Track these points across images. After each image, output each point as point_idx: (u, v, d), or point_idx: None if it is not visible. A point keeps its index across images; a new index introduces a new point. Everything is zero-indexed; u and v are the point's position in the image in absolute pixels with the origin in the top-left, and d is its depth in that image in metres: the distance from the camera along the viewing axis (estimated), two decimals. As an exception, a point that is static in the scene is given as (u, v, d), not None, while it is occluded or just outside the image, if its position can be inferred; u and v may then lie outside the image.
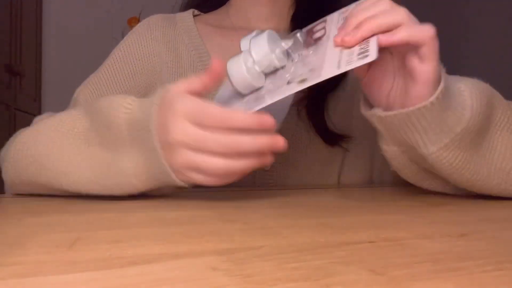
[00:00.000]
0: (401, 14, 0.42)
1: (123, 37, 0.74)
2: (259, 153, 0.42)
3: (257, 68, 0.48)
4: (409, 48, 0.43)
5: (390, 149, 0.49)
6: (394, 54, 0.46)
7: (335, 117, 0.67)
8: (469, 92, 0.45)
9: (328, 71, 0.43)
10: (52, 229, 0.34)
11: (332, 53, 0.45)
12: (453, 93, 0.44)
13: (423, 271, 0.23)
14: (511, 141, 0.48)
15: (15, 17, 2.06)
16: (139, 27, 0.74)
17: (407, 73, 0.44)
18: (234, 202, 0.50)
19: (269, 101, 0.44)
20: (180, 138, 0.41)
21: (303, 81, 0.44)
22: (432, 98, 0.42)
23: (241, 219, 0.39)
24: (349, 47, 0.43)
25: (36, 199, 0.53)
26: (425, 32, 0.41)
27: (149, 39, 0.72)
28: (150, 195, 0.53)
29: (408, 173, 0.52)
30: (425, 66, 0.42)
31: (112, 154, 0.47)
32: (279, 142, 0.41)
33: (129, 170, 0.46)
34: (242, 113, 0.41)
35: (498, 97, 0.49)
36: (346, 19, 0.46)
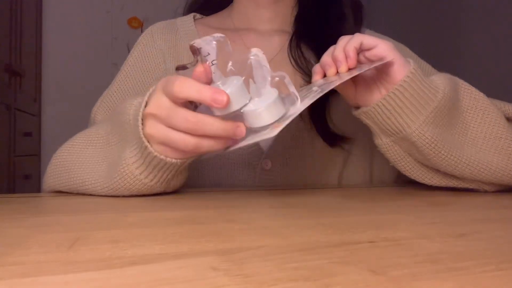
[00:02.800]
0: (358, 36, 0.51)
1: (128, 48, 0.75)
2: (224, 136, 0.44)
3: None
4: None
5: (383, 142, 0.55)
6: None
7: (336, 118, 0.67)
8: (440, 80, 0.53)
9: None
10: (52, 229, 0.34)
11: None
12: (427, 81, 0.52)
13: (423, 271, 0.23)
14: (483, 121, 0.55)
15: (15, 17, 2.06)
16: (143, 38, 0.75)
17: (380, 73, 0.51)
18: (234, 202, 0.50)
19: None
20: (152, 110, 0.44)
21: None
22: (410, 69, 0.49)
23: (241, 219, 0.39)
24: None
25: (36, 199, 0.54)
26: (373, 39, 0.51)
27: (153, 49, 0.73)
28: (149, 195, 0.53)
29: (406, 166, 0.57)
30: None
31: (122, 149, 0.50)
32: (241, 130, 0.43)
33: (129, 159, 0.48)
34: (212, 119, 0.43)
35: (463, 87, 0.56)
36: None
